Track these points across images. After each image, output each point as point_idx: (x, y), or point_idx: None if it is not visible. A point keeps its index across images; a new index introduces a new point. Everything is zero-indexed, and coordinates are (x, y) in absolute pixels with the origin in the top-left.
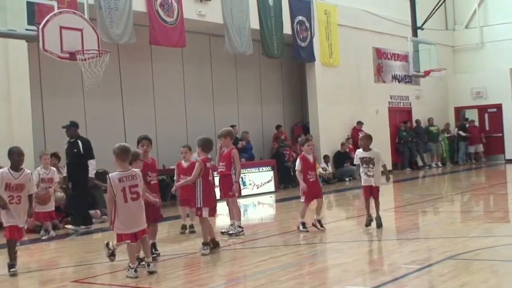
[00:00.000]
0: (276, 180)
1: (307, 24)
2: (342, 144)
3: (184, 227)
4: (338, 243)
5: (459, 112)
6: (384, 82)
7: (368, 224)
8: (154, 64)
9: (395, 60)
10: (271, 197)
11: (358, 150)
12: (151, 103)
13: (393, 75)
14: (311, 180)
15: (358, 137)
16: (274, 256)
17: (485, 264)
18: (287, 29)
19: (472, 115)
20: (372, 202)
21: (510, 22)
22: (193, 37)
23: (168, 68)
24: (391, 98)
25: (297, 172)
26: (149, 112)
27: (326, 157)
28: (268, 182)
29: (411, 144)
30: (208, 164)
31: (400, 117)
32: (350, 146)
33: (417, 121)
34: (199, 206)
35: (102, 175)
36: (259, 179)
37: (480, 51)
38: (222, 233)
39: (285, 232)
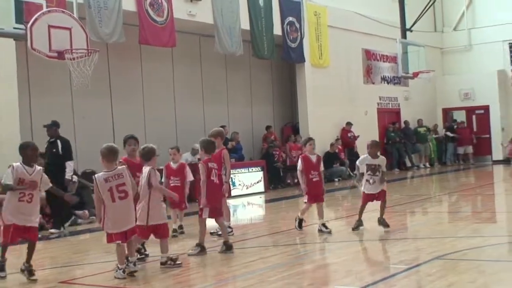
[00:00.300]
0: (266, 181)
1: (297, 25)
2: (332, 145)
3: (174, 230)
4: (327, 243)
5: (447, 113)
6: (373, 83)
7: (356, 228)
8: (143, 63)
9: (384, 61)
10: (260, 197)
11: (364, 157)
12: (140, 103)
13: (382, 76)
14: (314, 180)
15: (347, 138)
16: (264, 256)
17: (472, 264)
18: (277, 30)
19: (460, 117)
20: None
21: (498, 24)
22: (183, 37)
23: (158, 68)
24: (380, 99)
25: (298, 172)
26: (138, 112)
27: None
28: (257, 182)
29: (400, 145)
30: (210, 165)
31: (389, 118)
32: (340, 147)
33: (406, 122)
34: (200, 206)
35: (90, 175)
36: (248, 180)
37: (468, 53)
38: (211, 233)
39: (274, 233)
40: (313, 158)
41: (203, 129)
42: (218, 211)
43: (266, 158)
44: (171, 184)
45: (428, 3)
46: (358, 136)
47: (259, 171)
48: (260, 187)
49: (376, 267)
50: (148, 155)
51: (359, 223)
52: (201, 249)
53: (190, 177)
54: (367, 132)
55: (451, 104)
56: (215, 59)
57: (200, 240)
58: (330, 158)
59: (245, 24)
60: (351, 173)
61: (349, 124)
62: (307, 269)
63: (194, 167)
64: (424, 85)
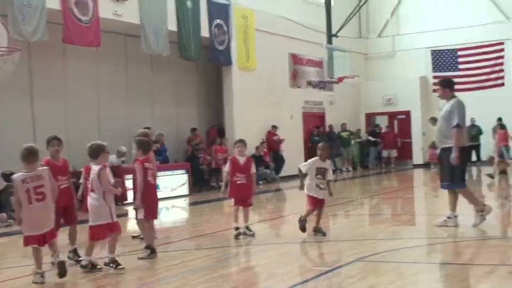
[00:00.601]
0: (190, 183)
1: (225, 28)
2: (257, 148)
3: None
4: (250, 246)
5: (370, 118)
6: (299, 87)
7: (323, 234)
8: (67, 63)
9: (310, 66)
10: (184, 200)
11: (314, 159)
12: (63, 102)
13: (308, 80)
14: (238, 182)
15: (273, 141)
16: (186, 260)
17: (391, 266)
18: (205, 32)
19: (383, 121)
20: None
21: (420, 32)
22: (108, 36)
23: (82, 67)
24: (305, 103)
25: (224, 174)
26: (60, 111)
27: None
28: (182, 185)
29: None
30: (146, 165)
31: (313, 122)
32: (265, 150)
33: (330, 126)
34: (135, 207)
35: (9, 177)
36: (173, 182)
37: (392, 59)
38: (134, 237)
39: (197, 236)
40: (241, 161)
41: (127, 130)
42: (154, 212)
43: (191, 161)
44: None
45: (354, 9)
46: (283, 140)
47: (183, 173)
48: (185, 189)
49: (298, 269)
50: (95, 152)
51: (320, 231)
52: (151, 251)
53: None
54: (292, 135)
55: (374, 109)
56: (141, 60)
57: (147, 241)
58: (255, 161)
59: (172, 25)
60: (276, 177)
61: (274, 127)
62: (230, 272)
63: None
64: (348, 90)
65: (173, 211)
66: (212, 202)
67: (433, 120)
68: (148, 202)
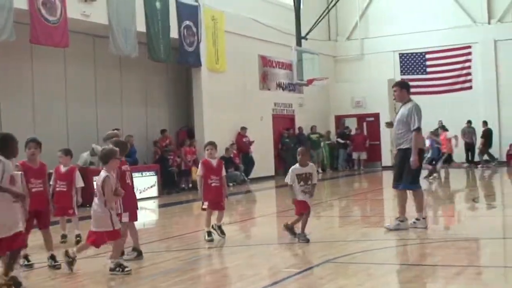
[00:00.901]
0: (160, 185)
1: (194, 29)
2: (227, 150)
3: (64, 236)
4: (220, 248)
5: (340, 120)
6: (269, 89)
7: (305, 240)
8: (34, 63)
9: (279, 68)
10: (154, 202)
11: (293, 168)
12: (30, 103)
13: (278, 82)
14: (213, 185)
15: (242, 143)
16: (156, 262)
17: (361, 267)
18: (174, 33)
19: (352, 124)
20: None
21: (389, 35)
22: (76, 37)
23: (49, 68)
24: (275, 105)
25: (197, 177)
26: (27, 113)
27: None
28: (151, 187)
29: (293, 150)
30: (123, 167)
31: (283, 124)
32: (235, 151)
33: (300, 128)
34: (119, 211)
35: None
36: (142, 184)
37: (360, 62)
38: None
39: (167, 238)
40: (214, 163)
41: (96, 131)
42: (135, 215)
43: (160, 162)
44: (57, 189)
45: (323, 12)
46: (253, 141)
47: (153, 175)
48: (154, 191)
49: (268, 271)
50: (106, 157)
51: (306, 239)
52: (138, 253)
53: (79, 182)
54: (262, 137)
55: (343, 112)
56: (110, 61)
57: (134, 243)
58: (225, 162)
59: (141, 26)
60: (245, 178)
61: (243, 129)
62: (200, 274)
63: (86, 171)
64: (318, 92)
65: (142, 213)
66: (181, 204)
67: (389, 124)
68: (130, 205)
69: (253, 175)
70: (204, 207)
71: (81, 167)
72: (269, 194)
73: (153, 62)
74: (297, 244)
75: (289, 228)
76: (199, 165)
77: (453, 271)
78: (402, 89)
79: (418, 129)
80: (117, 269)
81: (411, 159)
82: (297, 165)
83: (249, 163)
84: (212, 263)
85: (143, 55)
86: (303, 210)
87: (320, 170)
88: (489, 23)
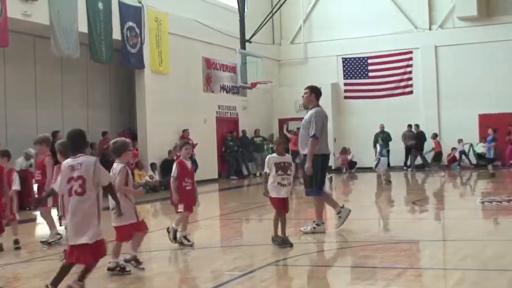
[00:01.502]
0: None
1: (137, 31)
2: (170, 152)
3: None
4: (163, 251)
5: (283, 123)
6: (212, 92)
7: (285, 246)
8: None
9: (224, 70)
10: None
11: (270, 156)
12: None
13: (222, 85)
14: (187, 188)
15: None
16: (99, 265)
17: (303, 270)
18: (116, 35)
19: (295, 127)
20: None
21: (332, 39)
22: (17, 37)
23: None
24: (219, 108)
25: (172, 179)
26: None
27: (153, 165)
28: None
29: (237, 153)
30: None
31: (227, 126)
32: (178, 154)
33: (243, 131)
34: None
35: None
36: None
37: (304, 66)
38: (42, 242)
39: (110, 241)
40: (189, 164)
41: (36, 133)
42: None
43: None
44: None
45: (267, 16)
46: (196, 144)
47: None
48: None
49: (211, 274)
50: (119, 150)
51: (281, 240)
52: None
53: (16, 185)
54: (206, 140)
55: (287, 115)
56: (51, 61)
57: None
58: (168, 165)
59: (83, 27)
60: None
61: (186, 131)
62: (142, 277)
63: (25, 174)
64: (261, 95)
65: None
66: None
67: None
68: None
69: (196, 177)
70: (180, 210)
71: (21, 169)
72: (213, 197)
73: (95, 63)
74: (239, 247)
75: (275, 240)
76: (174, 166)
77: (393, 273)
78: (311, 94)
79: (315, 136)
80: (132, 262)
81: (306, 165)
82: (274, 154)
83: (193, 165)
84: (154, 266)
85: (85, 56)
86: (279, 208)
87: (263, 173)
88: (430, 29)
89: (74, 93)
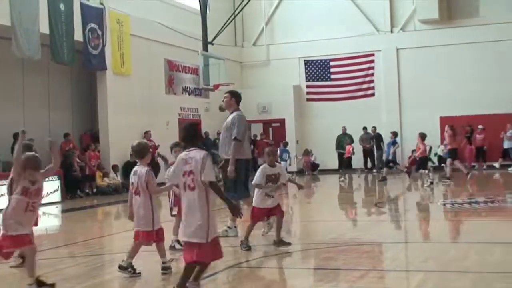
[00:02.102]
0: (63, 190)
1: (99, 32)
2: (131, 154)
3: None
4: (124, 253)
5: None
6: (175, 93)
7: (248, 248)
8: None
9: (186, 72)
10: (57, 207)
11: (263, 167)
12: None
13: (184, 87)
14: (176, 192)
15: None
16: (59, 268)
17: (267, 272)
18: (78, 36)
19: (258, 129)
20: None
21: (294, 41)
22: None
23: None
24: (181, 109)
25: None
26: None
27: (115, 167)
28: (54, 191)
29: None
30: None
31: None
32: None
33: (206, 133)
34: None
35: None
36: (44, 189)
37: (266, 68)
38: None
39: (70, 244)
40: None
41: None
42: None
43: (63, 167)
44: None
45: (229, 18)
46: (158, 146)
47: (55, 180)
48: (57, 196)
49: (173, 276)
50: (141, 153)
51: (250, 246)
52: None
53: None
54: (168, 142)
55: (250, 117)
56: (11, 63)
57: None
58: (130, 167)
59: (45, 28)
60: None
61: (147, 133)
62: (104, 280)
63: None
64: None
65: (45, 218)
66: (85, 209)
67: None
68: None
69: (158, 179)
70: (174, 213)
71: None
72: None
73: (57, 64)
74: None
75: (244, 244)
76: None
77: (356, 275)
78: (232, 98)
79: (236, 139)
80: (129, 269)
81: (228, 168)
82: (265, 165)
83: (154, 167)
84: (115, 269)
85: (46, 58)
86: (259, 218)
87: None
88: (391, 31)
89: (36, 94)
